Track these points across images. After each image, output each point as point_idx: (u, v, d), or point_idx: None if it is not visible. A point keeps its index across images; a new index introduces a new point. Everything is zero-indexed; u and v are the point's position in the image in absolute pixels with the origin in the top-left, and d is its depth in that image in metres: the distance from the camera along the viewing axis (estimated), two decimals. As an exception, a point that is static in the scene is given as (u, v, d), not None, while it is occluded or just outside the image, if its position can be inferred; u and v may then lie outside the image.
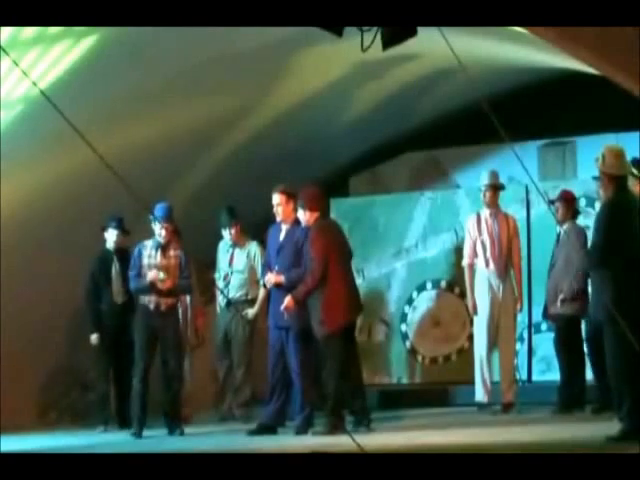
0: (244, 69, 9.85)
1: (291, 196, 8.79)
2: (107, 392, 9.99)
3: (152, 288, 9.07)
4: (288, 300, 8.34)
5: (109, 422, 9.82)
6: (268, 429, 8.65)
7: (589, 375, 9.28)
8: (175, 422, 9.11)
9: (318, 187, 8.92)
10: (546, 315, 9.72)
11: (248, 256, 10.13)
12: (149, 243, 9.20)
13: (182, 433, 9.04)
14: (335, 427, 8.23)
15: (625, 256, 6.95)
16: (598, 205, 8.47)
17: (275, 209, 8.82)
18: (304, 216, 8.55)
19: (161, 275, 9.04)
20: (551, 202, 9.55)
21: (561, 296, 9.29)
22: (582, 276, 9.16)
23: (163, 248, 9.14)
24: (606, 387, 8.77)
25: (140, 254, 9.15)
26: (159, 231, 9.10)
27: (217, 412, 10.34)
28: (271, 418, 8.72)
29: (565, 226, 9.47)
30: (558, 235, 9.59)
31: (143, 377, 9.03)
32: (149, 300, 9.10)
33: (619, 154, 7.19)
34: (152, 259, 9.13)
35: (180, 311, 10.01)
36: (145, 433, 9.03)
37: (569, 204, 9.51)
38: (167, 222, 9.10)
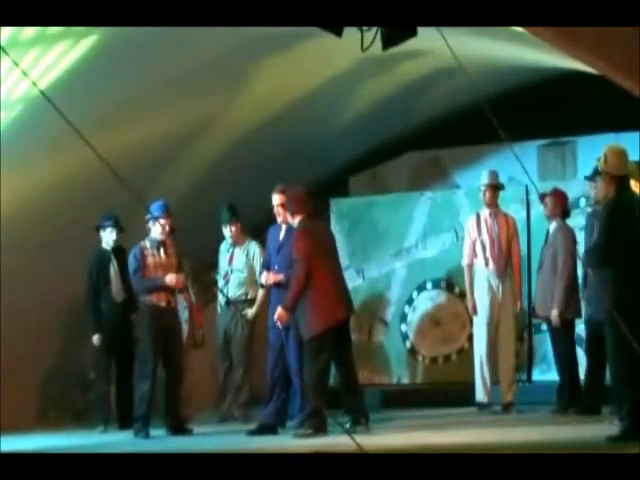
0: (243, 67, 9.85)
1: None
2: (107, 391, 9.99)
3: (164, 287, 9.06)
4: (279, 311, 8.28)
5: (109, 422, 9.82)
6: (268, 429, 8.64)
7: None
8: (180, 425, 9.06)
9: (303, 188, 8.73)
10: (534, 314, 9.79)
11: (247, 255, 10.13)
12: (147, 243, 9.18)
13: (191, 431, 9.02)
14: (317, 429, 8.21)
15: (626, 256, 6.95)
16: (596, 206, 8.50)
17: (276, 209, 8.82)
18: (290, 219, 8.54)
19: (181, 279, 9.10)
20: (542, 197, 9.59)
21: (555, 311, 9.28)
22: (570, 279, 9.20)
23: (164, 246, 9.15)
24: (596, 388, 8.89)
25: (142, 254, 9.11)
26: (159, 228, 9.09)
27: (217, 412, 10.33)
28: (271, 418, 8.70)
29: (554, 224, 9.51)
30: (547, 234, 9.62)
31: (153, 377, 8.99)
32: (158, 299, 9.06)
33: (621, 154, 7.19)
34: (157, 258, 9.13)
35: (187, 309, 10.07)
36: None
37: (559, 201, 9.53)
38: (167, 218, 9.10)
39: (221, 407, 10.29)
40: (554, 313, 9.30)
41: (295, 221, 8.50)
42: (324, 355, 8.29)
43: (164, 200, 9.21)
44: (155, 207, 9.10)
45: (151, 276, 9.11)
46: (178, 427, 9.04)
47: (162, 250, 9.16)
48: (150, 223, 9.16)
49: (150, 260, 9.12)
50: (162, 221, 9.05)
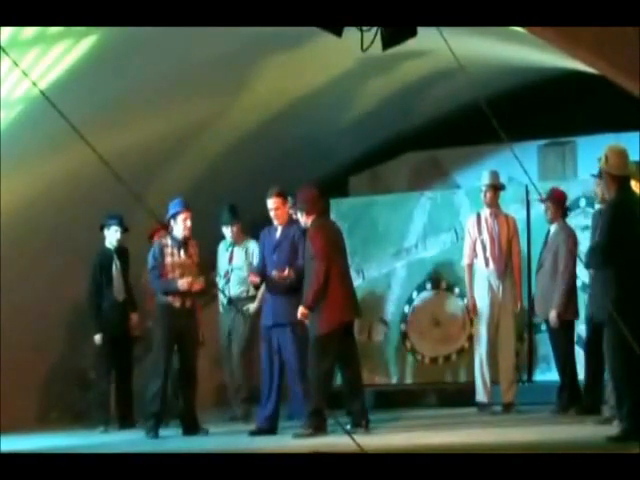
0: (244, 67, 9.86)
1: (286, 197, 8.80)
2: (107, 391, 9.99)
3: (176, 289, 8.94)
4: (301, 311, 8.27)
5: (109, 422, 9.82)
6: (267, 432, 8.60)
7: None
8: (196, 424, 9.02)
9: (315, 188, 8.80)
10: (534, 313, 9.82)
11: (247, 253, 10.13)
12: (168, 241, 9.03)
13: (207, 432, 8.97)
14: (317, 428, 8.20)
15: (628, 256, 6.94)
16: (597, 205, 8.47)
17: (274, 213, 8.76)
18: (302, 218, 8.53)
19: (198, 282, 8.97)
20: (541, 201, 9.58)
21: (553, 313, 9.28)
22: (571, 280, 9.17)
23: (185, 245, 9.03)
24: (596, 388, 8.88)
25: (162, 252, 8.98)
26: (180, 225, 8.96)
27: (223, 412, 10.32)
28: (269, 422, 8.67)
29: (555, 226, 9.49)
30: (547, 234, 9.61)
31: (166, 377, 8.90)
32: (173, 299, 8.93)
33: (622, 154, 7.19)
34: (176, 257, 9.02)
35: None
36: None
37: (559, 203, 9.53)
38: (187, 212, 8.94)
39: (230, 408, 10.30)
40: (552, 314, 9.29)
41: (306, 220, 8.50)
42: (330, 356, 8.29)
43: (181, 197, 9.09)
44: (173, 204, 8.98)
45: (168, 275, 8.96)
46: (194, 427, 8.99)
47: (182, 250, 9.00)
48: (171, 222, 8.98)
49: (169, 259, 8.97)
50: (182, 216, 8.93)
